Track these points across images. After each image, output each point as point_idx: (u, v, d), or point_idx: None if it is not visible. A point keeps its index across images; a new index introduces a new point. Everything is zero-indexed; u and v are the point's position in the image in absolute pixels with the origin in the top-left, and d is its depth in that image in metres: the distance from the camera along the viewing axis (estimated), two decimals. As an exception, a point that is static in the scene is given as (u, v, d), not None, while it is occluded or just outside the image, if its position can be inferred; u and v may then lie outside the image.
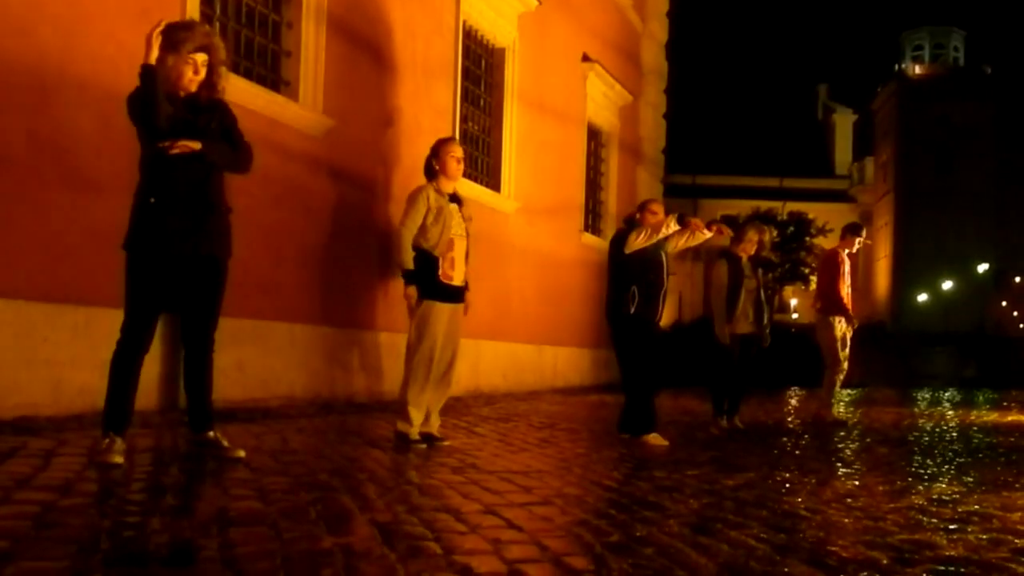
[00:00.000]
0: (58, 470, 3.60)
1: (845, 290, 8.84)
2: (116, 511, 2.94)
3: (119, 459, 3.90)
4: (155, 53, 4.11)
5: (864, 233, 9.44)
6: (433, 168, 5.61)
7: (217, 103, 4.40)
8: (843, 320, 8.83)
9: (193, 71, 4.30)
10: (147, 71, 4.09)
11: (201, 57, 4.32)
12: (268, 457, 4.38)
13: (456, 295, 5.57)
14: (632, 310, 6.18)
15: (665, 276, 6.33)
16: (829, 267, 9.01)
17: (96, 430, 4.69)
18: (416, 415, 5.42)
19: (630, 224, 6.51)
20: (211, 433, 4.34)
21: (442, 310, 5.47)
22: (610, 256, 6.45)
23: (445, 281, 5.47)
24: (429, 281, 5.43)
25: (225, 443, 4.33)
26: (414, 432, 5.38)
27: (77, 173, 5.05)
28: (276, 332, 6.61)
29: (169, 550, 2.47)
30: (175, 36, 4.28)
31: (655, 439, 6.06)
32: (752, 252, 7.74)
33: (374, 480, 3.93)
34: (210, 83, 4.38)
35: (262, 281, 6.46)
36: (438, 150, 5.63)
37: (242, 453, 4.28)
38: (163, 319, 5.25)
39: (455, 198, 5.62)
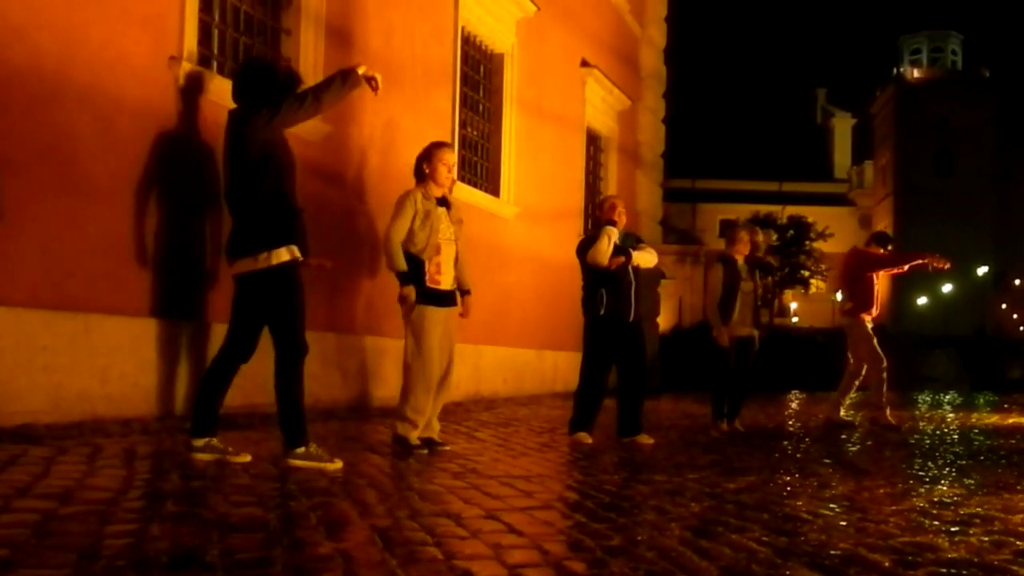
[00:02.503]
0: (58, 478, 3.59)
1: (876, 289, 8.76)
2: (116, 518, 2.93)
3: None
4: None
5: (890, 247, 9.37)
6: (423, 171, 5.49)
7: None
8: (870, 318, 8.71)
9: None
10: None
11: None
12: (268, 463, 4.38)
13: (447, 299, 5.49)
14: (602, 312, 6.35)
15: (632, 273, 6.40)
16: (862, 265, 8.85)
17: (96, 437, 4.70)
18: (418, 420, 5.36)
19: (597, 225, 6.66)
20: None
21: (436, 314, 5.40)
22: (579, 261, 6.57)
23: (432, 286, 5.39)
24: (418, 287, 5.36)
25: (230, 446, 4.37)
26: (414, 437, 5.32)
27: (76, 180, 5.04)
28: (276, 338, 6.60)
29: (170, 557, 2.47)
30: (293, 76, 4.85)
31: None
32: (746, 253, 7.73)
33: (374, 486, 3.93)
34: None
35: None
36: (430, 154, 5.49)
37: (248, 458, 4.33)
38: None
39: (443, 201, 5.49)
